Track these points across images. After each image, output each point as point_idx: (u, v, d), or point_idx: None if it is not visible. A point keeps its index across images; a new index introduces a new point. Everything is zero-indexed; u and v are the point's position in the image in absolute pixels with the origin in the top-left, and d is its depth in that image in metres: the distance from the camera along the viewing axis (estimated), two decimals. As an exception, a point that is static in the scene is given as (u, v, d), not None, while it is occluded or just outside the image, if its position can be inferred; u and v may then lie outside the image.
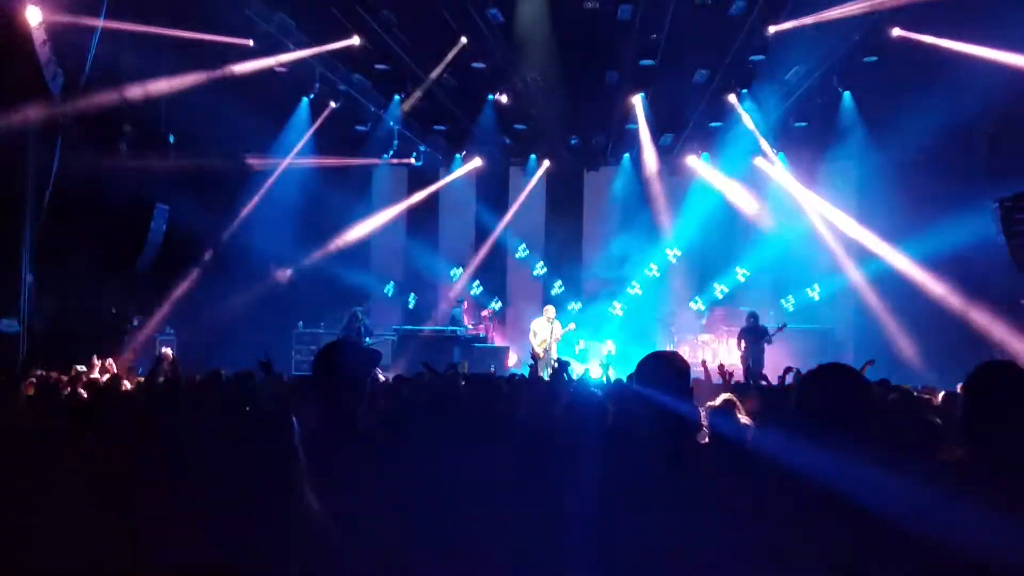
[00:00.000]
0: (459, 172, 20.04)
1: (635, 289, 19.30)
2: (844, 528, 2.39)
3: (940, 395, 6.93)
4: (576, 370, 9.48)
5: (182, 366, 9.54)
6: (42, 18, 10.12)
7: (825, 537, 2.42)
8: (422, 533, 2.77)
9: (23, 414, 5.61)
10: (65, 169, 11.32)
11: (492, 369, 14.55)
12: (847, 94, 15.57)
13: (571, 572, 2.70)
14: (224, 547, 2.32)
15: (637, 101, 17.16)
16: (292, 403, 4.66)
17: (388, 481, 2.86)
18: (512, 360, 17.59)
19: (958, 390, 5.97)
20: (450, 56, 15.07)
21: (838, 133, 16.29)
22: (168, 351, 11.01)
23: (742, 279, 18.66)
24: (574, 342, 17.24)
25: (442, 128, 19.16)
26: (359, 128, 17.98)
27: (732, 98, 16.35)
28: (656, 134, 18.35)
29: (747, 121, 16.74)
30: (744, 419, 4.52)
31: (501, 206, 20.49)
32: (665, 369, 3.24)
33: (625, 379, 8.49)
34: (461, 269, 19.99)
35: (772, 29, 13.47)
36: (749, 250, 18.40)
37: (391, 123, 17.78)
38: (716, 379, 10.34)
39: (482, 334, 18.44)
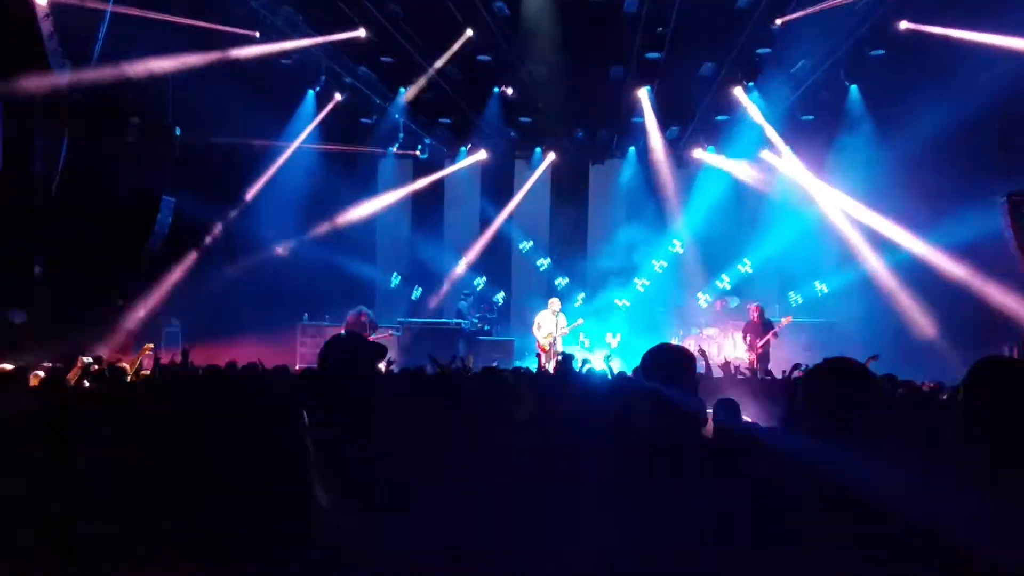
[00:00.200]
0: (465, 162, 19.99)
1: (640, 282, 19.26)
2: (848, 523, 2.38)
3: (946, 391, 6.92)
4: (580, 363, 9.48)
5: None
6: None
7: (829, 532, 2.42)
8: (428, 528, 2.77)
9: (29, 405, 5.62)
10: (72, 160, 11.35)
11: (495, 364, 14.56)
12: (854, 88, 15.48)
13: (577, 567, 2.70)
14: (231, 542, 2.33)
15: (643, 94, 17.12)
16: (300, 397, 4.67)
17: (394, 476, 2.86)
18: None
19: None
20: (456, 47, 15.04)
21: (845, 127, 16.22)
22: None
23: (748, 271, 18.60)
24: (579, 336, 17.22)
25: (447, 121, 19.12)
26: (364, 121, 17.99)
27: (738, 91, 16.29)
28: (662, 127, 18.29)
29: (754, 113, 16.66)
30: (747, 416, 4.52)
31: (506, 199, 20.42)
32: (670, 362, 3.24)
33: (630, 372, 8.50)
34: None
35: (779, 20, 13.42)
36: (755, 243, 18.32)
37: (396, 116, 17.78)
38: (717, 372, 10.37)
39: (487, 327, 18.43)
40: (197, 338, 13.41)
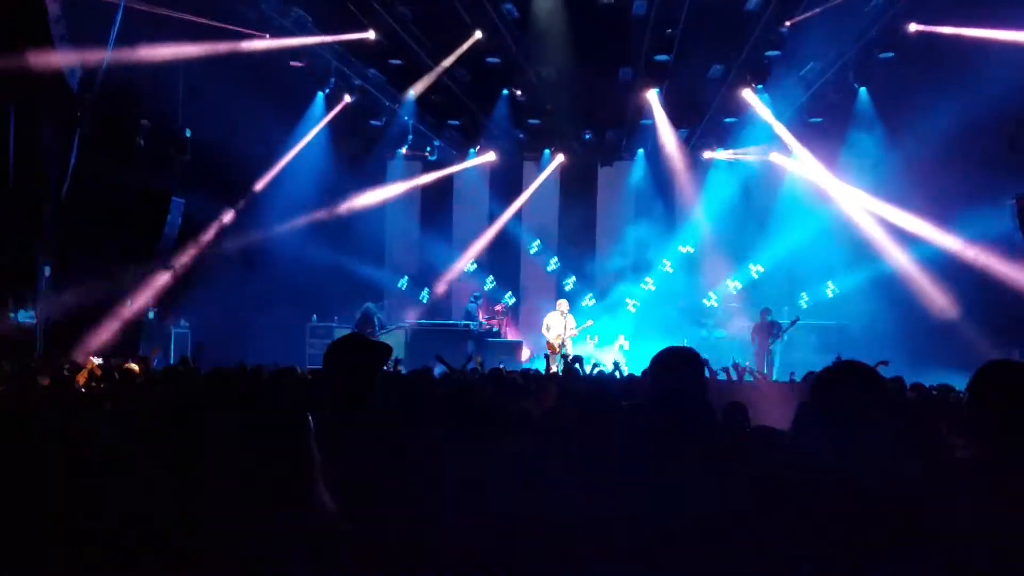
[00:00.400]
0: (473, 161, 19.97)
1: (649, 284, 19.24)
2: (855, 524, 2.38)
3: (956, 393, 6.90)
4: (592, 367, 9.48)
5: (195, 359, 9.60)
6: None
7: (836, 532, 2.42)
8: (435, 529, 2.78)
9: (39, 405, 5.65)
10: (82, 162, 11.39)
11: (502, 365, 14.57)
12: (863, 90, 15.42)
13: (585, 567, 2.70)
14: (237, 546, 2.33)
15: (652, 96, 17.10)
16: (308, 398, 4.68)
17: (401, 476, 2.86)
18: (525, 355, 17.59)
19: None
20: (465, 47, 15.04)
21: (854, 129, 16.17)
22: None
23: (759, 271, 18.54)
24: (588, 337, 17.21)
25: (456, 123, 19.15)
26: (374, 123, 18.01)
27: (747, 93, 16.26)
28: (672, 128, 18.26)
29: (764, 114, 16.61)
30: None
31: (515, 201, 20.45)
32: (679, 365, 3.24)
33: (639, 374, 8.50)
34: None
35: (788, 22, 13.39)
36: (764, 245, 18.27)
37: (406, 118, 17.80)
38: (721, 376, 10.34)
39: (495, 328, 18.44)
40: (206, 339, 13.46)
